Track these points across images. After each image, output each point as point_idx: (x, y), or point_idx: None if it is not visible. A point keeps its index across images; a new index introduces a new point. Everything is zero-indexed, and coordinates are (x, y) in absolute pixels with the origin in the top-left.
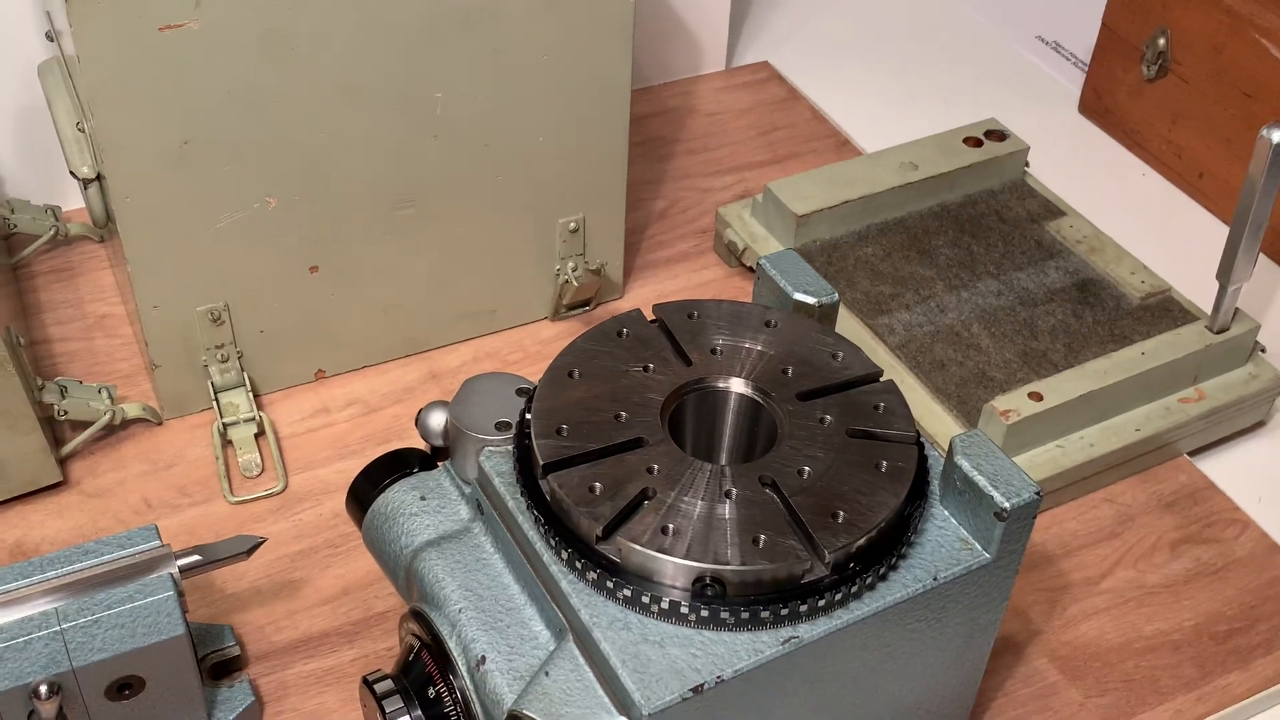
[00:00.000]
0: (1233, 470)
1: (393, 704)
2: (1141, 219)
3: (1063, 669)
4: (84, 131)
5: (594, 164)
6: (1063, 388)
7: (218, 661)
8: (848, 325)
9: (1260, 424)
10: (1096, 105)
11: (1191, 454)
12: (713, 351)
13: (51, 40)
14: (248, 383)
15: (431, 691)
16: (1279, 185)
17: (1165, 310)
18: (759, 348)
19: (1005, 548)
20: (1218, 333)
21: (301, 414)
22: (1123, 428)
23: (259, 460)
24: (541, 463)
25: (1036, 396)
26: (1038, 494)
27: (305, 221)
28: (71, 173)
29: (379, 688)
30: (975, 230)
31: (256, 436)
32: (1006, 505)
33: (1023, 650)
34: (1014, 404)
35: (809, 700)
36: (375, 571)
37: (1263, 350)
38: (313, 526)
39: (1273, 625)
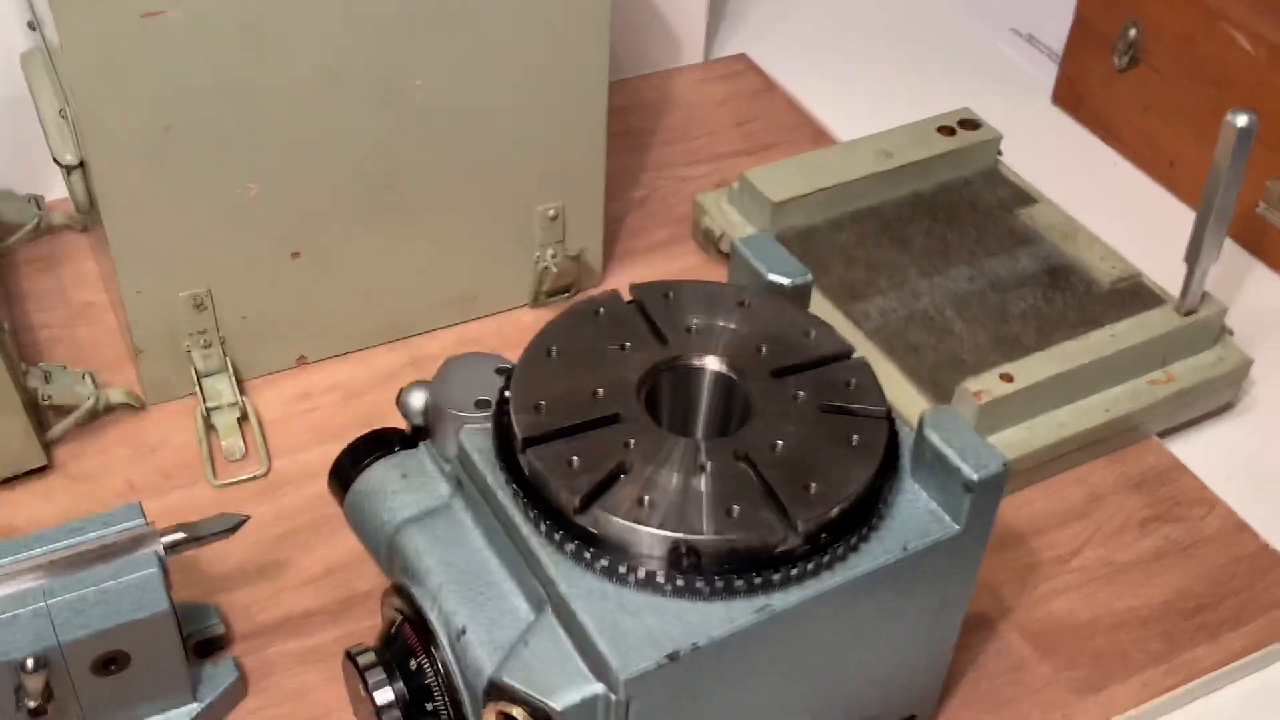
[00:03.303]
0: (1201, 452)
1: (375, 675)
2: (1113, 207)
3: (1034, 644)
4: (66, 118)
5: (572, 152)
6: (1033, 369)
7: (202, 640)
8: (823, 310)
9: (1228, 406)
10: (1069, 96)
11: (1161, 435)
12: (688, 330)
13: (34, 29)
14: (230, 368)
15: (413, 663)
16: (1243, 168)
17: (1135, 295)
18: (733, 326)
19: (974, 519)
20: (1186, 315)
21: (284, 399)
22: (1092, 409)
23: (242, 445)
24: (520, 438)
25: (1007, 378)
26: (1005, 466)
27: (287, 208)
28: (55, 159)
29: (361, 660)
30: (948, 217)
31: (239, 421)
32: (974, 477)
33: (994, 626)
34: (985, 385)
35: (783, 668)
36: (358, 552)
37: (1230, 334)
38: (296, 509)
39: (1240, 601)
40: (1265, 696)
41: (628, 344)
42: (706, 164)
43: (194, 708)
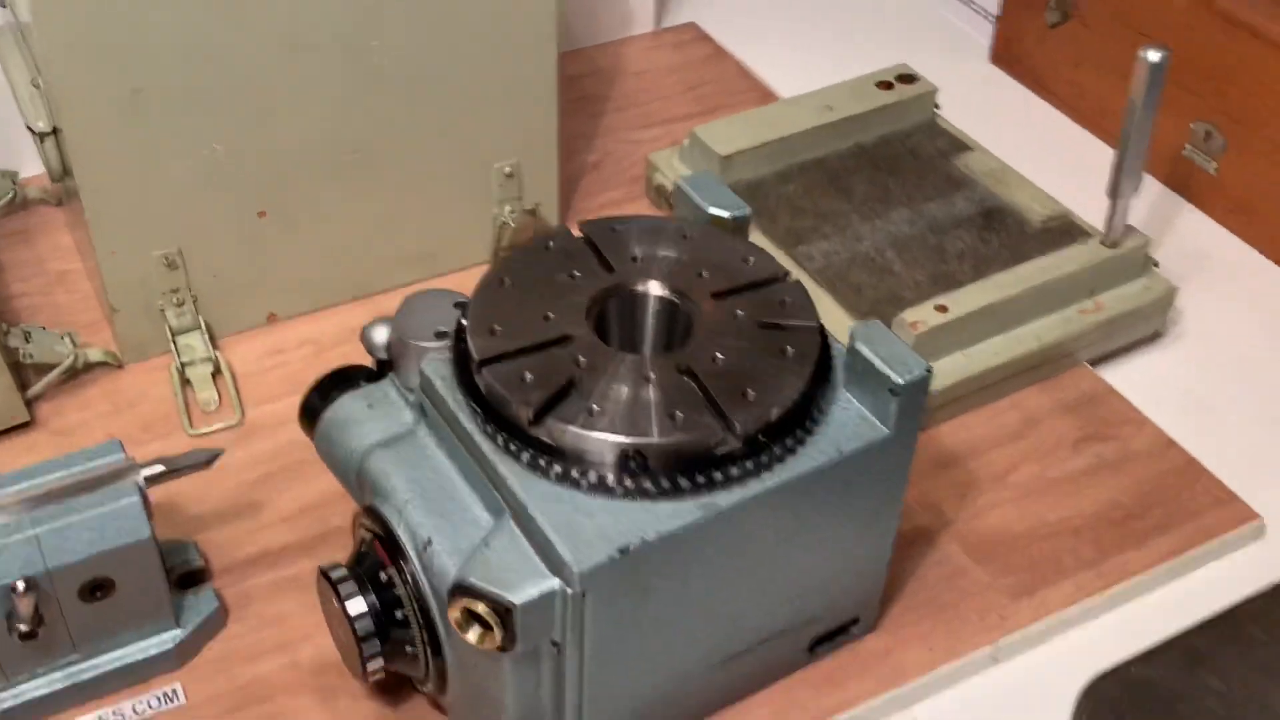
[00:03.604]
0: (1131, 377)
1: (347, 588)
2: (1047, 155)
3: (972, 554)
4: (39, 88)
5: (526, 110)
6: (966, 300)
7: (184, 574)
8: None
9: (1158, 335)
10: (1006, 54)
11: (1093, 363)
12: (634, 260)
13: (4, 6)
14: (203, 325)
15: (383, 576)
16: (1157, 102)
17: (1064, 231)
18: (676, 255)
19: (901, 423)
20: (1111, 247)
21: (256, 354)
22: (1025, 337)
23: (216, 397)
24: (477, 359)
25: (942, 309)
26: (927, 371)
27: (252, 168)
28: (28, 127)
29: (334, 575)
30: (889, 167)
31: (213, 375)
32: (900, 381)
33: (935, 539)
34: (921, 316)
35: (727, 565)
36: (331, 491)
37: (1156, 265)
38: (270, 454)
39: (1166, 509)
40: (1190, 599)
41: (577, 273)
42: (659, 127)
43: (177, 633)
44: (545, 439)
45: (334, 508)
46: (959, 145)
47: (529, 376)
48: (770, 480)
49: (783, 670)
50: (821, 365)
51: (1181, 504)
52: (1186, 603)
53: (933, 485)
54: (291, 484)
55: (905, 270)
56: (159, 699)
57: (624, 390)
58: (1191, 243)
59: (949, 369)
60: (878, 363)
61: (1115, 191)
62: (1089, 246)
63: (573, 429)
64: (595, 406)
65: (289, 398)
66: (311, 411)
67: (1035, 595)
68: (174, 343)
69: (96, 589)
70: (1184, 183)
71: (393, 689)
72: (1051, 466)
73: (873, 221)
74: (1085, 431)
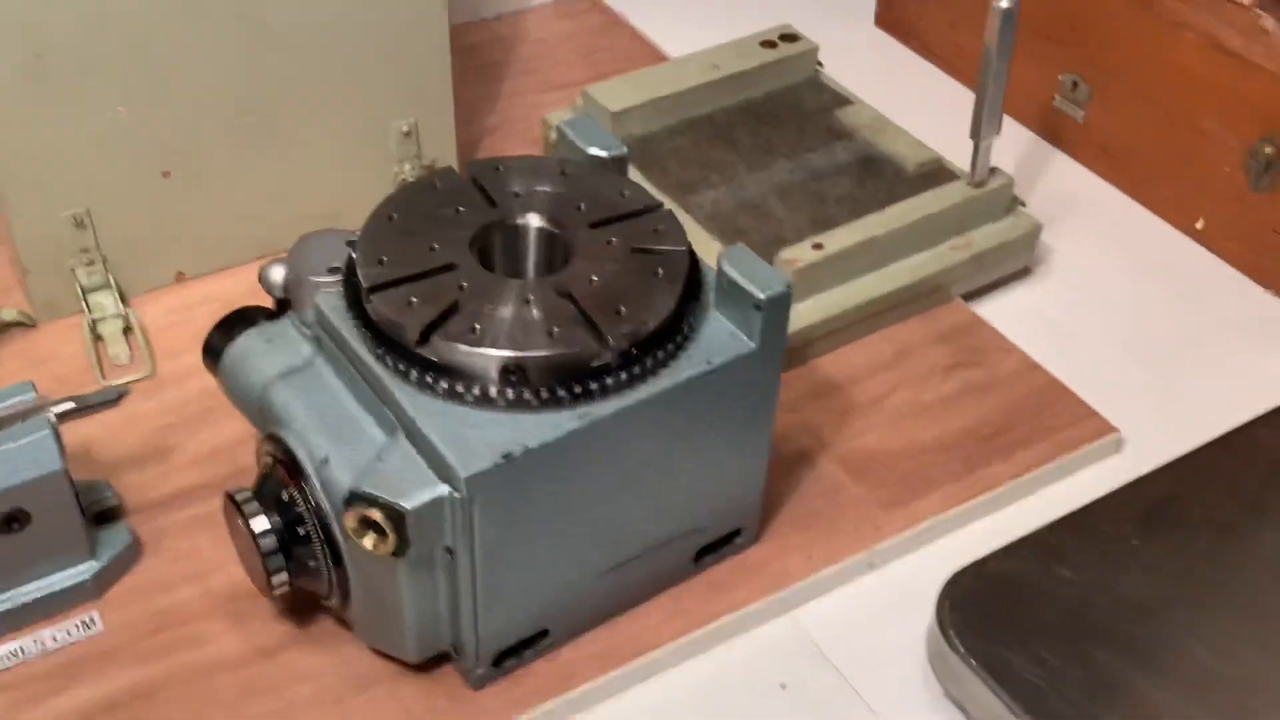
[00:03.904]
0: (1001, 310)
1: (251, 508)
2: (926, 110)
3: (849, 471)
4: None
5: (419, 67)
6: (842, 238)
7: (99, 511)
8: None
9: (1026, 271)
10: (889, 17)
11: (965, 298)
12: (516, 195)
13: None
14: (114, 284)
15: (285, 495)
16: (1010, 47)
17: (937, 175)
18: (555, 190)
19: (767, 337)
20: (977, 187)
21: (166, 310)
22: (898, 272)
23: (128, 351)
24: (366, 287)
25: (819, 247)
26: (788, 286)
27: (155, 129)
28: None
29: (239, 496)
30: (773, 121)
31: (125, 332)
32: (763, 296)
33: (815, 459)
34: (799, 254)
35: (608, 474)
36: (241, 434)
37: (1023, 205)
38: (180, 403)
39: (1030, 425)
40: (1052, 506)
41: (462, 209)
42: (556, 91)
43: (93, 565)
44: (432, 357)
45: (244, 449)
46: (840, 100)
47: (415, 301)
48: (645, 391)
49: (671, 579)
50: (691, 285)
51: (1044, 421)
52: (1049, 510)
53: (813, 412)
54: (201, 429)
55: (787, 215)
56: (78, 627)
57: (505, 311)
58: (1062, 186)
59: (827, 303)
60: (742, 281)
61: (977, 134)
62: (956, 187)
63: (457, 346)
64: (478, 326)
65: (197, 351)
66: (214, 351)
67: (907, 506)
68: (85, 301)
69: (13, 521)
70: (1056, 131)
71: (301, 610)
72: (924, 392)
73: (758, 172)
74: (956, 359)
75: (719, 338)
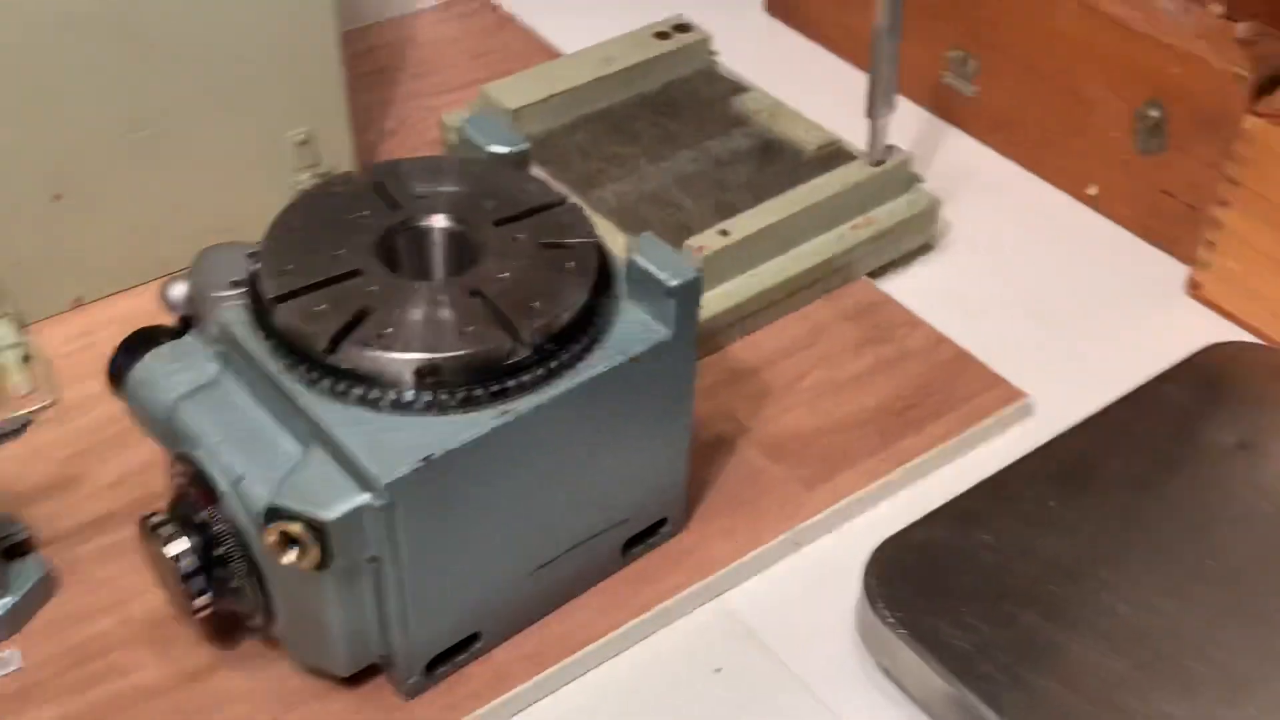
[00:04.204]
0: (907, 285)
1: (167, 530)
2: (821, 93)
3: (768, 454)
4: None
5: (311, 74)
6: (747, 224)
7: (9, 545)
8: None
9: (928, 247)
10: (780, 3)
11: (871, 276)
12: (419, 197)
13: None
14: (10, 312)
15: (201, 516)
16: (899, 25)
17: (835, 157)
18: (459, 189)
19: (681, 324)
20: (875, 165)
21: (67, 337)
22: (804, 254)
23: (30, 381)
24: (270, 297)
25: (725, 233)
26: (698, 273)
27: (43, 152)
28: None
29: (153, 520)
30: (671, 111)
31: (25, 360)
32: (674, 283)
33: (734, 444)
34: (706, 241)
35: (530, 471)
36: (152, 458)
37: (921, 181)
38: (88, 431)
39: (940, 398)
40: (968, 473)
41: (365, 213)
42: (452, 92)
43: (6, 601)
44: (343, 365)
45: (155, 473)
46: (736, 88)
47: (321, 309)
48: (563, 385)
49: (601, 573)
50: (602, 277)
51: (955, 391)
52: (965, 477)
53: (730, 397)
54: (111, 455)
55: (692, 203)
56: None
57: (416, 313)
58: (958, 161)
59: (736, 289)
60: (652, 269)
61: (872, 113)
62: (855, 167)
63: (368, 352)
64: (389, 330)
65: (102, 376)
66: (118, 374)
67: (828, 483)
68: None
69: None
70: (947, 107)
71: (226, 633)
72: (837, 370)
73: (659, 162)
74: (866, 336)
75: (633, 328)
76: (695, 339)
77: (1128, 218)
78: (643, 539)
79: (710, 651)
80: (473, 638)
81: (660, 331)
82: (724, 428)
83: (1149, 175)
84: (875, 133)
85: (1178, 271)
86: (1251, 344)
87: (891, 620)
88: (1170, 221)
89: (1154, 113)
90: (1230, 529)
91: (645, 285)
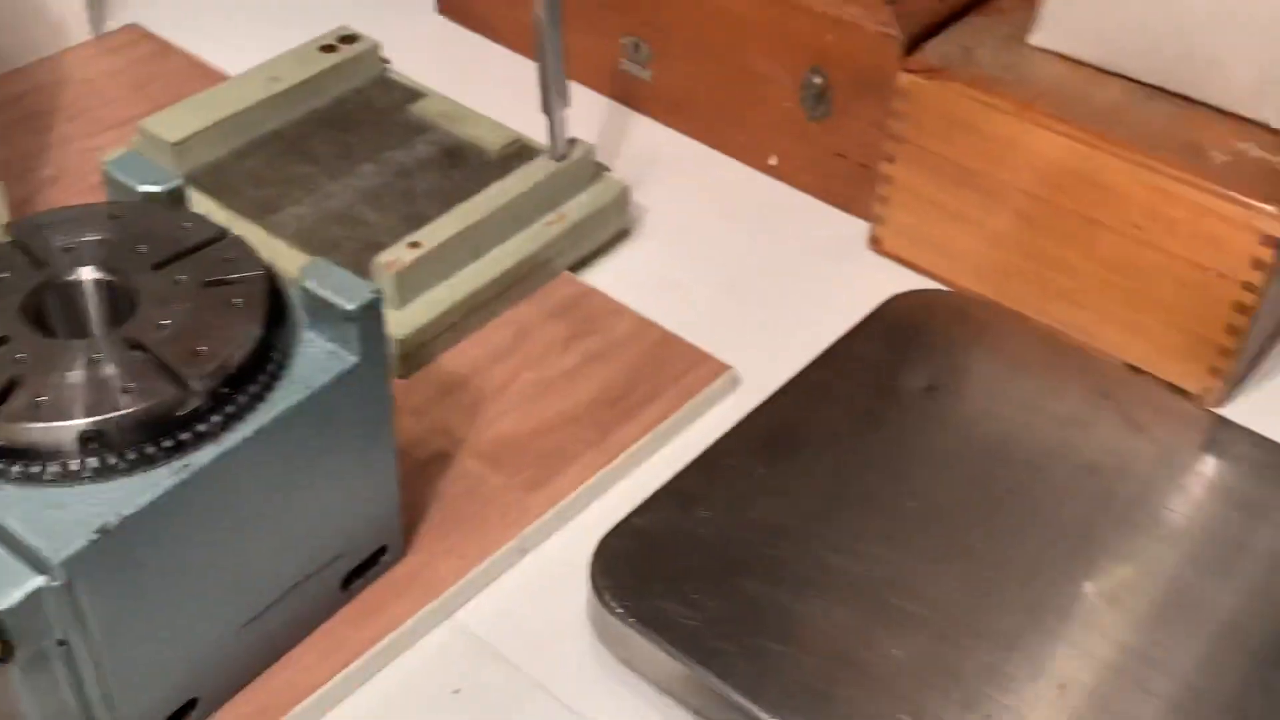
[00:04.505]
0: (608, 276)
1: None
2: (501, 92)
3: (486, 463)
4: None
5: None
6: (437, 233)
7: None
8: (242, 228)
9: (626, 233)
10: (452, 5)
11: (573, 269)
12: (65, 250)
13: None
14: None
15: None
16: (560, 16)
17: (521, 155)
18: (108, 236)
19: (366, 347)
20: (559, 160)
21: None
22: (500, 257)
23: None
24: None
25: (415, 245)
26: (376, 293)
27: None
28: None
29: None
30: (347, 125)
31: None
32: (353, 307)
33: (450, 459)
34: (396, 255)
35: (225, 522)
36: None
37: (608, 170)
38: None
39: (651, 382)
40: (686, 452)
41: (5, 275)
42: (112, 131)
43: None
44: None
45: None
46: (412, 95)
47: None
48: (246, 429)
49: (322, 613)
50: (275, 309)
51: (664, 373)
52: (684, 457)
53: (442, 411)
54: None
55: (378, 218)
56: None
57: (74, 376)
58: (644, 146)
59: (435, 300)
60: (329, 294)
61: (548, 107)
62: (540, 164)
63: (23, 425)
64: (44, 398)
65: None
66: None
67: (548, 484)
68: None
69: None
70: (628, 94)
71: None
72: (547, 369)
73: (341, 179)
74: (573, 331)
75: (317, 358)
76: (385, 360)
77: (808, 183)
78: (363, 571)
79: (448, 674)
80: (190, 704)
81: (346, 358)
82: (439, 443)
83: (821, 140)
84: (554, 127)
85: (860, 229)
86: (930, 290)
87: (620, 611)
88: (846, 182)
89: (817, 80)
90: (928, 470)
91: (324, 311)
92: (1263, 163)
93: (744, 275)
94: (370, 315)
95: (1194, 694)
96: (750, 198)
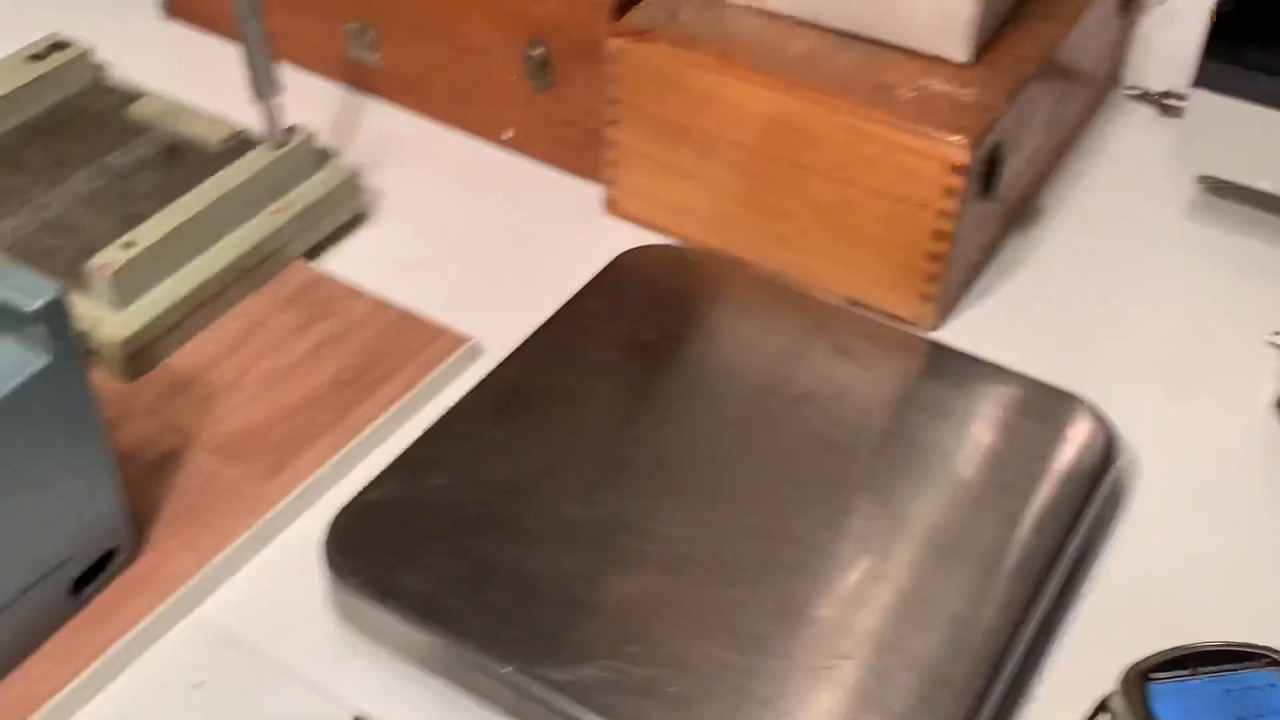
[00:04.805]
0: (347, 260)
1: None
2: (228, 89)
3: (223, 457)
4: None
5: None
6: (153, 230)
7: None
8: None
9: (362, 217)
10: (178, 5)
11: (306, 257)
12: None
13: None
14: None
15: None
16: (259, 6)
17: (243, 147)
18: None
19: (58, 346)
20: (279, 148)
21: None
22: (224, 250)
23: None
24: None
25: (130, 245)
26: (57, 291)
27: None
28: None
29: None
30: (62, 133)
31: None
32: (34, 306)
33: (184, 456)
34: (110, 258)
35: None
36: None
37: (336, 154)
38: None
39: (389, 360)
40: (423, 427)
41: None
42: None
43: None
44: None
45: None
46: (130, 97)
47: None
48: None
49: (54, 622)
50: None
51: (401, 350)
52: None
53: (175, 409)
54: None
55: (96, 223)
56: None
57: None
58: (380, 130)
59: (157, 299)
60: (9, 296)
61: (259, 95)
62: (259, 153)
63: None
64: None
65: None
66: None
67: (285, 470)
68: None
69: None
70: (360, 79)
71: None
72: (283, 357)
73: (55, 188)
74: (308, 317)
75: (4, 364)
76: (80, 358)
77: (544, 153)
78: (94, 575)
79: (191, 669)
80: None
81: (35, 361)
82: (171, 442)
83: (550, 110)
84: (268, 115)
85: (596, 194)
86: (654, 245)
87: (352, 584)
88: (578, 149)
89: (537, 51)
90: (655, 415)
91: (10, 316)
92: (947, 95)
93: (485, 249)
94: (56, 314)
95: (920, 600)
96: (488, 172)
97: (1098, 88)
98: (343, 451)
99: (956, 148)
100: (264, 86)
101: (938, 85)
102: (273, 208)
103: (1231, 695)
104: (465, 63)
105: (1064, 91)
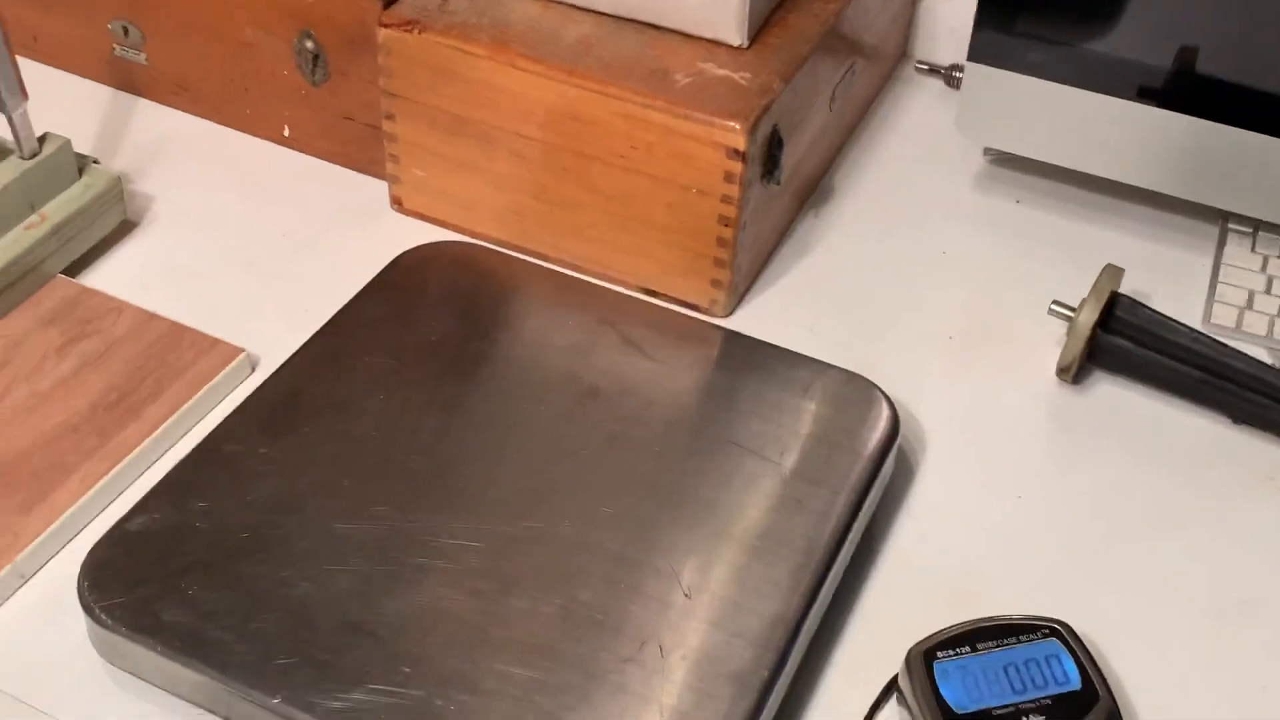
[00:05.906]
0: (113, 273)
1: None
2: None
3: None
4: None
5: None
6: None
7: None
8: None
9: (132, 226)
10: None
11: (68, 272)
12: None
13: None
14: None
15: None
16: None
17: None
18: None
19: None
20: (31, 158)
21: None
22: None
23: None
24: None
25: None
26: None
27: None
28: None
29: None
30: None
31: None
32: None
33: None
34: None
35: None
36: None
37: (96, 162)
38: None
39: (156, 377)
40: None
41: None
42: None
43: None
44: None
45: None
46: None
47: None
48: None
49: None
50: None
51: (170, 366)
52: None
53: None
54: None
55: None
56: None
57: None
58: (151, 132)
59: None
60: None
61: (2, 105)
62: (9, 165)
63: None
64: None
65: None
66: None
67: (46, 501)
68: None
69: None
70: (128, 80)
71: None
72: (41, 380)
73: None
74: (68, 336)
75: None
76: None
77: (325, 150)
78: None
79: None
80: None
81: None
82: None
83: (327, 105)
84: (14, 124)
85: (381, 191)
86: (436, 243)
87: (112, 623)
88: (360, 145)
89: (309, 44)
90: (434, 423)
91: None
92: (723, 80)
93: (264, 253)
94: None
95: (703, 595)
96: (267, 172)
97: (887, 62)
98: (105, 479)
99: (733, 132)
100: (9, 96)
101: (714, 69)
102: (27, 222)
103: (1016, 668)
104: (235, 59)
105: (848, 68)
